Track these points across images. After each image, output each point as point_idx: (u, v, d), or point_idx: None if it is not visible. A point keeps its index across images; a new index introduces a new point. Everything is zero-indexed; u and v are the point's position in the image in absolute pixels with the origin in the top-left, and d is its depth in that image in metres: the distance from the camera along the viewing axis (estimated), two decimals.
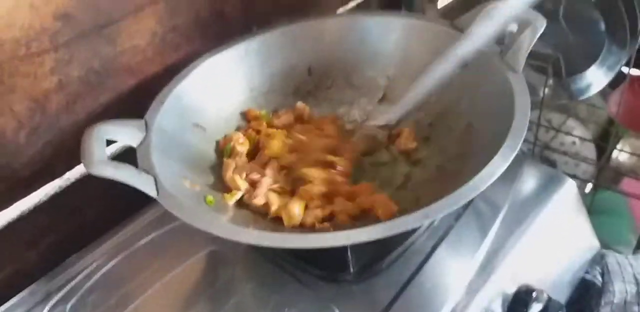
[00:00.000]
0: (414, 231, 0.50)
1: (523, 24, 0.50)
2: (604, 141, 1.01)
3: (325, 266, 0.47)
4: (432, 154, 0.54)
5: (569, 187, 0.55)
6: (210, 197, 0.47)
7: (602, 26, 0.79)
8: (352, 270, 0.46)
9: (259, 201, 0.49)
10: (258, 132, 0.56)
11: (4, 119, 0.48)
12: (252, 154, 0.54)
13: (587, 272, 0.60)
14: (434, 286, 0.46)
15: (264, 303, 0.46)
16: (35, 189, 0.53)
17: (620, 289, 0.57)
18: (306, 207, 0.48)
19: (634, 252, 0.82)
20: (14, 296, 0.51)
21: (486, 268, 0.48)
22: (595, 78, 0.84)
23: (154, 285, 0.49)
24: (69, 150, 0.48)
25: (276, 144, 0.53)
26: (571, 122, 1.00)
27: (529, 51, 0.50)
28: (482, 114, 0.51)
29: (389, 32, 0.59)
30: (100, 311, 0.47)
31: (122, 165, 0.43)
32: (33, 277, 0.52)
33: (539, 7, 0.50)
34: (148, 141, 0.47)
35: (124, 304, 0.47)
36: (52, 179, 0.54)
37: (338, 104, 0.62)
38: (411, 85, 0.53)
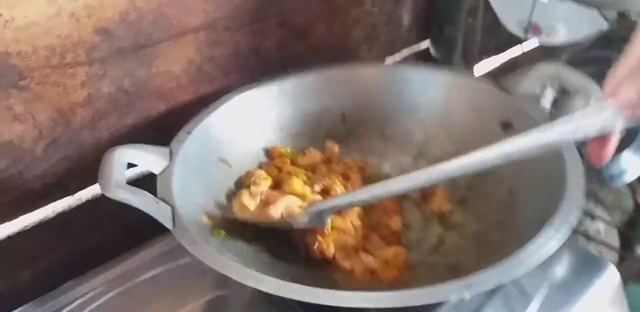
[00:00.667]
0: (439, 304, 0.46)
1: (575, 91, 0.48)
2: (628, 229, 0.98)
3: None
4: (469, 219, 0.52)
5: (611, 274, 0.52)
6: (222, 232, 0.45)
7: None
8: None
9: (274, 211, 0.46)
10: (280, 169, 0.54)
11: (24, 126, 0.46)
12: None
13: None
14: None
15: None
16: (43, 205, 0.51)
17: None
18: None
19: None
20: None
21: None
22: (630, 165, 0.82)
23: None
24: (85, 169, 0.47)
25: (297, 182, 0.51)
26: (597, 209, 0.97)
27: None
28: (526, 181, 0.49)
29: (430, 86, 0.58)
30: None
31: (140, 191, 0.41)
32: (22, 300, 0.49)
33: None
34: (171, 170, 0.45)
35: None
36: (63, 196, 0.52)
37: (369, 155, 0.60)
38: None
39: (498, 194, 0.51)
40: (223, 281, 0.36)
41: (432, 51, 0.79)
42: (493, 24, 0.81)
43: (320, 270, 0.47)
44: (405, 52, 0.78)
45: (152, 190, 0.43)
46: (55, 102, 0.48)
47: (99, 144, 0.51)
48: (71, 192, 0.52)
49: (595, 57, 0.75)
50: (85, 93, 0.49)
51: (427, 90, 0.58)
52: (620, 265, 0.86)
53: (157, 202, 0.41)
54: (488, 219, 0.50)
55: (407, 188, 0.42)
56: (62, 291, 0.49)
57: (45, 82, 0.46)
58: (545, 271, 0.50)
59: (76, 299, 0.48)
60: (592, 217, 0.92)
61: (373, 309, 0.40)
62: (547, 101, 0.60)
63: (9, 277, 0.51)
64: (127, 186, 0.41)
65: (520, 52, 0.85)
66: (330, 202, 0.46)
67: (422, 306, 0.41)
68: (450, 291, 0.35)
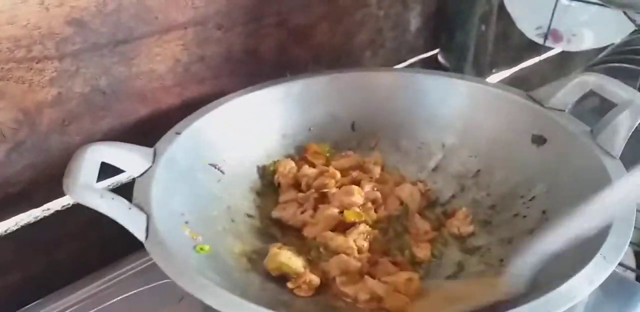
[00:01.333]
0: None
1: (623, 104, 0.44)
2: None
3: None
4: (492, 243, 0.46)
5: None
6: (206, 247, 0.40)
7: None
8: None
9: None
10: (312, 165, 0.51)
11: None
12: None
13: None
14: None
15: None
16: (5, 217, 0.46)
17: None
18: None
19: None
20: None
21: None
22: None
23: None
24: (53, 177, 0.41)
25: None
26: None
27: (628, 135, 0.43)
28: (563, 203, 0.44)
29: (450, 95, 0.54)
30: None
31: (112, 195, 0.36)
32: None
33: None
34: (152, 173, 0.40)
35: None
36: (28, 207, 0.47)
37: None
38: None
39: (530, 216, 0.46)
40: (201, 305, 0.30)
41: (442, 60, 0.75)
42: (505, 34, 0.78)
43: (318, 296, 0.41)
44: (412, 60, 0.74)
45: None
46: (19, 101, 0.42)
47: (69, 150, 0.45)
48: (37, 204, 0.47)
49: (616, 68, 0.71)
50: (54, 92, 0.44)
51: (448, 99, 0.54)
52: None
53: (129, 208, 0.36)
54: (514, 243, 0.44)
55: None
56: None
57: (9, 78, 0.41)
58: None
59: None
60: None
61: None
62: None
63: None
64: (97, 188, 0.36)
65: (535, 62, 0.82)
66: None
67: None
68: None
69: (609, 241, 0.35)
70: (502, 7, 0.71)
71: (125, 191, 0.38)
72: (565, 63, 0.87)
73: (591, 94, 0.47)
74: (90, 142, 0.45)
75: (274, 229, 0.47)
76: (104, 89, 0.46)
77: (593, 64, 0.78)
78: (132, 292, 0.46)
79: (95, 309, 0.44)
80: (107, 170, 0.40)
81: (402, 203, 0.48)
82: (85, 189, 0.35)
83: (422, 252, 0.44)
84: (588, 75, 0.47)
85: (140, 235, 0.35)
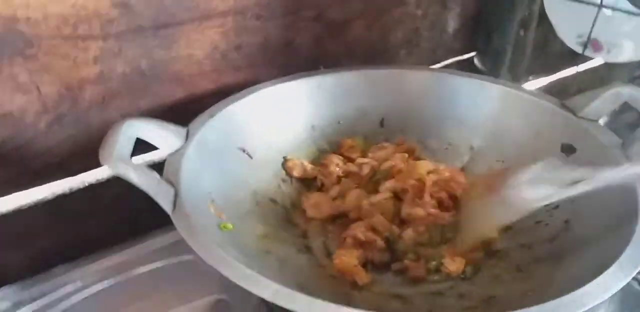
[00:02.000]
0: None
1: None
2: None
3: None
4: (513, 247, 0.46)
5: None
6: (230, 225, 0.41)
7: None
8: None
9: None
10: (350, 160, 0.53)
11: (28, 97, 0.43)
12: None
13: None
14: None
15: None
16: (41, 184, 0.48)
17: None
18: None
19: None
20: None
21: None
22: None
23: None
24: (90, 151, 0.43)
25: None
26: None
27: None
28: (587, 213, 0.44)
29: (482, 97, 0.54)
30: None
31: (144, 168, 0.38)
32: (7, 280, 0.46)
33: None
34: (183, 151, 0.42)
35: None
36: (64, 177, 0.49)
37: None
38: None
39: (552, 224, 0.46)
40: (224, 283, 0.32)
41: (478, 63, 0.75)
42: (544, 40, 0.77)
43: (335, 283, 0.43)
44: (448, 61, 0.74)
45: None
46: (63, 75, 0.44)
47: (107, 126, 0.46)
48: (73, 174, 0.49)
49: None
50: (97, 70, 0.46)
51: (479, 102, 0.54)
52: None
53: (159, 182, 0.37)
54: (536, 250, 0.45)
55: None
56: (52, 275, 0.47)
57: (55, 53, 0.43)
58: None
59: (64, 285, 0.46)
60: None
61: None
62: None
63: None
64: (130, 161, 0.38)
65: (573, 72, 0.81)
66: None
67: None
68: None
69: (627, 251, 0.35)
70: (543, 13, 0.71)
71: (155, 169, 0.40)
72: (607, 75, 0.86)
73: (630, 108, 0.48)
74: None
75: (297, 216, 0.49)
76: (144, 71, 0.48)
77: (636, 77, 0.77)
78: (155, 266, 0.48)
79: (119, 278, 0.47)
80: (139, 147, 0.41)
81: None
82: (119, 160, 0.37)
83: (454, 266, 0.44)
84: (623, 86, 0.47)
85: (167, 207, 0.36)
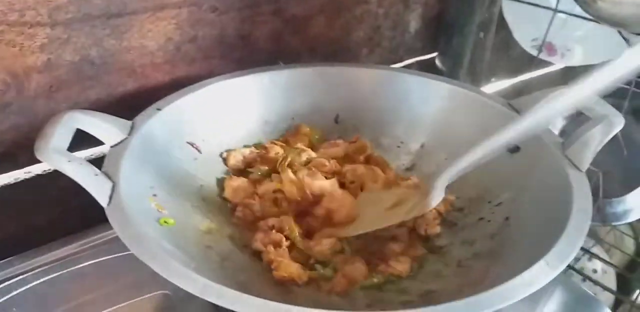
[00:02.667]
0: None
1: (596, 119, 0.45)
2: (628, 272, 0.94)
3: None
4: (455, 244, 0.47)
5: None
6: (171, 220, 0.41)
7: None
8: None
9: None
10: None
11: None
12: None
13: None
14: None
15: None
16: None
17: None
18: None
19: None
20: None
21: None
22: (635, 205, 0.80)
23: None
24: None
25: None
26: (596, 249, 0.94)
27: (598, 150, 0.45)
28: (526, 210, 0.45)
29: (433, 97, 0.55)
30: None
31: (79, 160, 0.37)
32: None
33: None
34: (126, 144, 0.41)
35: None
36: (10, 168, 0.48)
37: None
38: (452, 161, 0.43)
39: (494, 221, 0.47)
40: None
41: (439, 63, 0.77)
42: (506, 43, 0.79)
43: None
44: (410, 61, 0.75)
45: None
46: (9, 63, 0.44)
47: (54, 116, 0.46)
48: (20, 166, 0.49)
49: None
50: (44, 58, 0.45)
51: (431, 101, 0.55)
52: (615, 309, 0.83)
53: (96, 175, 0.37)
54: (476, 246, 0.46)
55: None
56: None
57: (0, 40, 0.43)
58: (534, 308, 0.47)
59: (7, 279, 0.45)
60: (590, 256, 0.89)
61: None
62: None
63: None
64: (67, 152, 0.37)
65: (533, 76, 0.83)
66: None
67: None
68: None
69: (556, 248, 0.36)
70: (503, 17, 0.72)
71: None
72: (569, 78, 0.88)
73: None
74: None
75: None
76: (93, 60, 0.48)
77: None
78: (101, 259, 0.48)
79: (65, 271, 0.46)
80: (91, 141, 0.42)
81: None
82: (55, 151, 0.37)
83: (401, 266, 0.45)
84: (564, 88, 0.48)
85: (103, 200, 0.36)
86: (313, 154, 0.52)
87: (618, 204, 0.81)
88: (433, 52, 0.77)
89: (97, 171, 0.38)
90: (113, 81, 0.50)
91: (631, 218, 0.80)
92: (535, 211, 0.44)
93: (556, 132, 0.55)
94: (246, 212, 0.47)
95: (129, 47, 0.49)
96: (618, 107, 0.54)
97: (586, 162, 0.44)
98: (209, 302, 0.44)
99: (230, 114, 0.52)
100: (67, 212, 0.52)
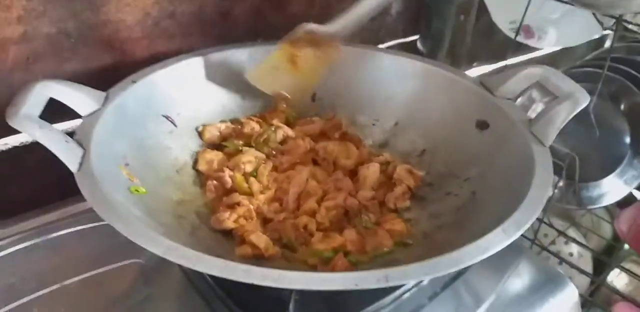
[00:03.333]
0: (373, 300, 0.43)
1: (563, 96, 0.47)
2: (603, 256, 0.97)
3: None
4: (423, 217, 0.49)
5: (570, 292, 0.50)
6: (142, 189, 0.42)
7: (628, 138, 0.78)
8: None
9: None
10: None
11: None
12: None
13: None
14: None
15: None
16: None
17: None
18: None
19: None
20: None
21: None
22: (611, 189, 0.82)
23: (62, 282, 0.44)
24: None
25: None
26: (572, 233, 0.96)
27: (562, 126, 0.46)
28: (492, 185, 0.47)
29: (408, 76, 0.56)
30: None
31: (50, 127, 0.38)
32: None
33: None
34: (99, 114, 0.42)
35: (16, 295, 0.43)
36: None
37: None
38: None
39: (461, 195, 0.49)
40: (139, 246, 0.33)
41: (420, 46, 0.78)
42: (489, 28, 0.80)
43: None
44: (391, 43, 0.76)
45: None
46: None
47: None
48: None
49: (591, 73, 0.74)
50: (21, 30, 0.46)
51: (405, 80, 0.56)
52: (590, 291, 0.85)
53: (67, 141, 0.38)
54: (442, 219, 0.48)
55: None
56: None
57: None
58: (499, 278, 0.49)
59: None
60: (567, 239, 0.91)
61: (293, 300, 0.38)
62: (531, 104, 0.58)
63: None
64: (38, 119, 0.38)
65: (516, 61, 0.85)
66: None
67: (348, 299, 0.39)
68: (368, 279, 0.32)
69: (513, 217, 0.38)
70: (483, 1, 0.73)
71: None
72: (552, 64, 0.90)
73: None
74: None
75: None
76: (70, 33, 0.49)
77: (573, 67, 0.81)
78: (75, 229, 0.49)
79: (40, 239, 0.48)
80: (71, 114, 0.42)
81: None
82: (26, 118, 0.37)
83: (398, 225, 0.47)
84: (536, 67, 0.49)
85: (72, 166, 0.37)
86: (289, 132, 0.54)
87: (594, 188, 0.83)
88: (414, 34, 0.78)
89: (69, 138, 0.39)
90: (90, 55, 0.51)
91: (605, 202, 0.82)
92: (500, 184, 0.46)
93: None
94: (217, 185, 0.48)
95: (106, 21, 0.50)
96: (592, 92, 0.56)
97: (550, 138, 0.46)
98: (180, 270, 0.46)
99: (206, 89, 0.53)
100: (43, 184, 0.53)
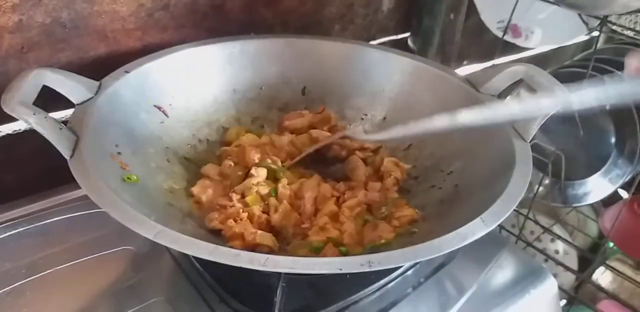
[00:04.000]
0: (359, 288, 0.45)
1: (543, 91, 0.48)
2: (589, 253, 0.99)
3: (248, 300, 0.42)
4: None
5: (550, 285, 0.52)
6: (134, 177, 0.43)
7: (613, 138, 0.80)
8: None
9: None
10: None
11: None
12: None
13: None
14: None
15: None
16: None
17: None
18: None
19: None
20: None
21: None
22: (595, 188, 0.84)
23: (54, 267, 0.45)
24: None
25: None
26: (558, 230, 0.98)
27: (543, 122, 0.48)
28: (474, 178, 0.49)
29: (397, 71, 0.58)
30: None
31: (44, 113, 0.39)
32: None
33: None
34: (92, 102, 0.44)
35: (10, 280, 0.44)
36: None
37: None
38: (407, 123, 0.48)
39: (444, 188, 0.51)
40: (130, 234, 0.34)
41: (410, 43, 0.79)
42: (479, 28, 0.82)
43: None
44: (382, 40, 0.78)
45: None
46: None
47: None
48: None
49: (577, 73, 0.77)
50: (15, 18, 0.47)
51: (393, 75, 0.58)
52: (575, 288, 0.87)
53: (60, 128, 0.39)
54: (426, 210, 0.49)
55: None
56: None
57: None
58: (482, 269, 0.51)
59: None
60: (552, 236, 0.93)
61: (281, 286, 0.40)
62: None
63: None
64: (32, 106, 0.39)
65: (505, 61, 0.87)
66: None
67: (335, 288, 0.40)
68: (352, 263, 0.34)
69: (492, 208, 0.40)
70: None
71: None
72: (542, 64, 0.92)
73: None
74: None
75: None
76: (64, 22, 0.50)
77: (560, 67, 0.83)
78: (66, 216, 0.51)
79: (33, 226, 0.49)
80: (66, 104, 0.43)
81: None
82: (20, 104, 0.38)
83: (408, 211, 0.48)
84: (520, 65, 0.51)
85: (66, 153, 0.38)
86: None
87: (579, 186, 0.86)
88: (405, 32, 0.80)
89: (62, 125, 0.40)
90: (84, 45, 0.52)
91: (590, 200, 0.84)
92: (482, 178, 0.47)
93: None
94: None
95: (100, 11, 0.51)
96: None
97: (531, 133, 0.48)
98: (171, 257, 0.47)
99: (198, 81, 0.54)
100: (35, 172, 0.54)
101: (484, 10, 0.72)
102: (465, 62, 0.92)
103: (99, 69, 0.51)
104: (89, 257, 0.47)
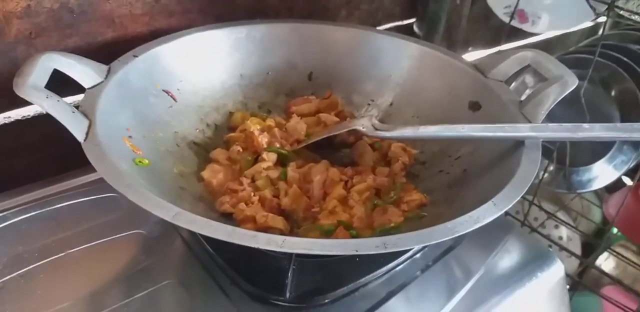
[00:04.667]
0: (368, 271, 0.46)
1: (553, 79, 0.49)
2: (593, 239, 1.00)
3: (260, 282, 0.43)
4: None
5: (557, 268, 0.52)
6: (146, 160, 0.44)
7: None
8: (288, 295, 0.41)
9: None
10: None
11: None
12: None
13: None
14: None
15: (178, 306, 0.43)
16: None
17: None
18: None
19: None
20: None
21: None
22: (600, 174, 0.85)
23: (66, 251, 0.46)
24: None
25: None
26: (562, 216, 0.99)
27: (551, 107, 0.49)
28: (482, 163, 0.49)
29: (404, 57, 0.58)
30: None
31: (57, 97, 0.40)
32: None
33: None
34: (103, 86, 0.44)
35: (24, 263, 0.44)
36: None
37: None
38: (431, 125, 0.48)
39: (452, 173, 0.51)
40: (141, 218, 0.34)
41: (416, 29, 0.80)
42: (485, 14, 0.82)
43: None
44: (388, 25, 0.78)
45: None
46: None
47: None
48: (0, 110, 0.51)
49: (581, 59, 0.77)
50: (24, 4, 0.48)
51: (401, 61, 0.59)
52: (579, 274, 0.89)
53: (73, 112, 0.40)
54: (434, 195, 0.50)
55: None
56: None
57: None
58: (489, 253, 0.51)
59: None
60: (557, 222, 0.94)
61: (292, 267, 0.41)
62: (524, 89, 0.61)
63: None
64: (44, 89, 0.39)
65: (511, 47, 0.87)
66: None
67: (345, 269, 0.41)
68: (368, 245, 0.34)
69: (504, 191, 0.40)
70: None
71: None
72: (548, 50, 0.92)
73: None
74: None
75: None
76: (72, 8, 0.50)
77: (566, 53, 0.83)
78: (78, 201, 0.51)
79: (44, 210, 0.50)
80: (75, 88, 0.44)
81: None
82: (33, 88, 0.39)
83: (417, 196, 0.49)
84: (528, 51, 0.52)
85: (79, 136, 0.39)
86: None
87: (584, 172, 0.86)
88: (411, 17, 0.80)
89: (74, 109, 0.40)
90: (92, 30, 0.53)
91: (595, 186, 0.85)
92: (490, 162, 0.48)
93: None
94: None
95: None
96: (582, 77, 0.58)
97: (539, 119, 0.48)
98: (182, 240, 0.48)
99: (206, 66, 0.55)
100: (45, 157, 0.55)
101: None
102: (470, 48, 0.93)
103: (107, 54, 0.52)
104: (101, 240, 0.48)
